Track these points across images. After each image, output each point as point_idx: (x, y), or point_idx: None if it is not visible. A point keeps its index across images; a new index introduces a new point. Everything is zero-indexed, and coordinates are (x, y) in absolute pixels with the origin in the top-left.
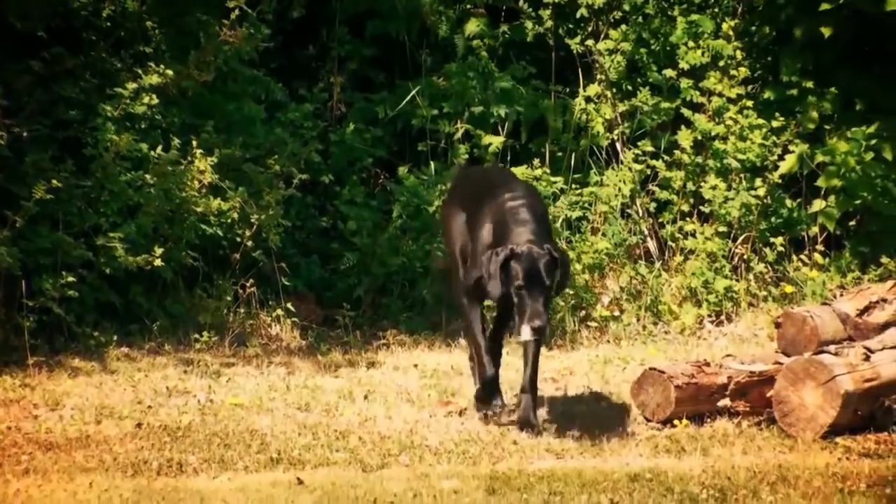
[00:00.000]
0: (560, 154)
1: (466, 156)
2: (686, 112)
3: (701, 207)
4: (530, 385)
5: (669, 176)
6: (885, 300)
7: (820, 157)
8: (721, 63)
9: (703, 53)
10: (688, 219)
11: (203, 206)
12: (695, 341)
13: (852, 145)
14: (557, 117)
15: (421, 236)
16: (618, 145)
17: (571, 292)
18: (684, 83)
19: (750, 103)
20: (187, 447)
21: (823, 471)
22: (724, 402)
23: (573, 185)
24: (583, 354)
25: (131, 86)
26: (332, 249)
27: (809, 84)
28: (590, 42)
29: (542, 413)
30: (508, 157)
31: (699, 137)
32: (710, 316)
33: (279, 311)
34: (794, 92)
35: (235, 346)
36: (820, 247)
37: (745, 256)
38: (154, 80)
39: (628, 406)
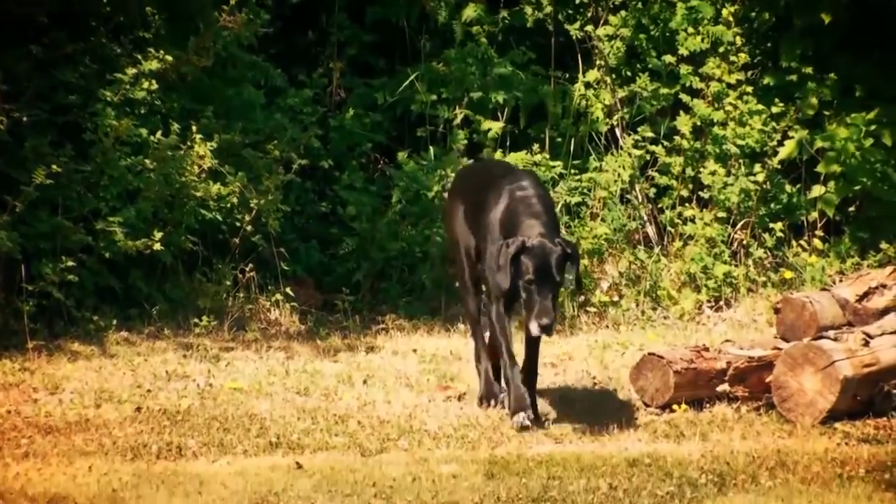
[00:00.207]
0: (559, 140)
1: (465, 141)
2: (685, 98)
3: (700, 193)
4: (529, 378)
5: (669, 161)
6: (884, 286)
7: (819, 143)
8: (721, 49)
9: (702, 39)
10: (687, 204)
11: (202, 190)
12: (694, 326)
13: (852, 131)
14: (557, 103)
15: (420, 221)
16: (617, 131)
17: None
18: (684, 69)
19: (749, 89)
20: (186, 431)
21: (822, 456)
22: (723, 387)
23: (572, 171)
24: (582, 339)
25: (131, 71)
26: (331, 234)
27: (809, 70)
28: (589, 28)
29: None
30: (507, 143)
31: (698, 123)
32: (709, 301)
33: (278, 296)
34: (794, 78)
35: (235, 331)
36: (819, 232)
37: (745, 242)
38: (154, 65)
39: (627, 391)
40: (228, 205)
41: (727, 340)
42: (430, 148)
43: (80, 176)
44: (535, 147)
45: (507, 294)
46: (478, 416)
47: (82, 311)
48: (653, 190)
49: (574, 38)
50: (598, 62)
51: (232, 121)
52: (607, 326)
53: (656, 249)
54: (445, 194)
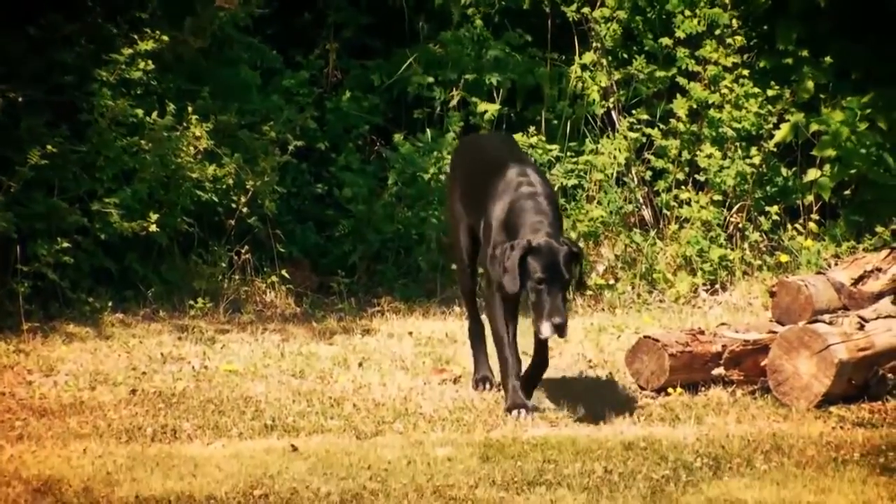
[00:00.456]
0: (555, 122)
1: (462, 123)
2: (682, 80)
3: (696, 176)
4: (534, 374)
5: (665, 144)
6: (879, 269)
7: (815, 127)
8: (717, 31)
9: (699, 22)
10: (683, 187)
11: (198, 172)
12: (689, 310)
13: (847, 115)
14: (553, 85)
15: (416, 203)
16: (613, 113)
17: None
18: (680, 52)
19: (746, 72)
20: (181, 413)
21: (817, 440)
22: (719, 370)
23: (568, 153)
24: (577, 323)
25: (127, 51)
26: (327, 216)
27: (805, 53)
28: (585, 10)
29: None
30: (504, 125)
31: (694, 106)
32: (704, 284)
33: (274, 278)
34: (790, 61)
35: (230, 313)
36: (815, 216)
37: (740, 225)
38: (150, 45)
39: (622, 374)
40: (224, 186)
41: (723, 324)
42: (427, 130)
43: (76, 157)
44: (532, 129)
45: (516, 297)
46: (473, 398)
47: (77, 293)
48: (649, 173)
49: (570, 19)
50: (594, 44)
51: (228, 102)
52: (603, 309)
53: (652, 232)
54: (443, 176)
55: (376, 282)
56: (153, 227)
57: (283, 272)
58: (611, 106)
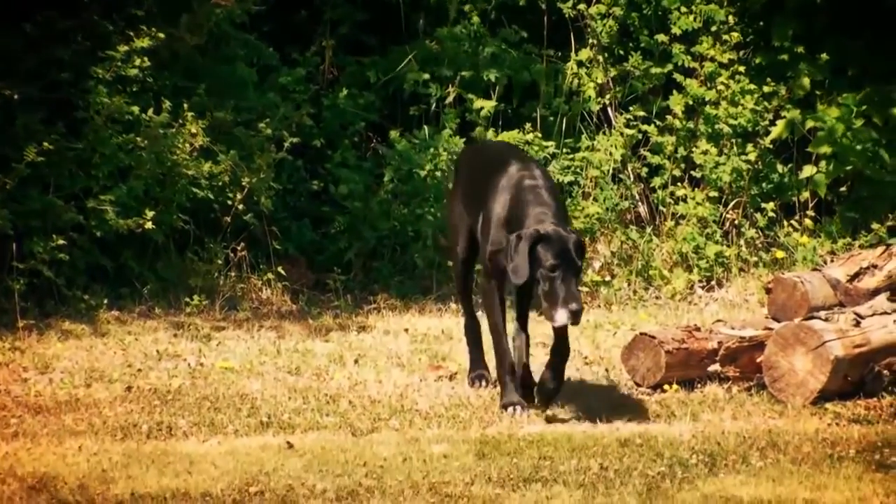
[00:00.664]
0: (551, 118)
1: (458, 120)
2: (678, 77)
3: (692, 172)
4: (557, 372)
5: (661, 141)
6: (875, 266)
7: (811, 123)
8: (713, 28)
9: (695, 18)
10: (679, 184)
11: (194, 169)
12: (685, 306)
13: (843, 111)
14: (549, 82)
15: (412, 200)
16: (609, 110)
17: None
18: (676, 48)
19: (742, 68)
20: (177, 411)
21: (813, 436)
22: (715, 367)
23: (564, 150)
24: None
25: (123, 48)
26: (323, 213)
27: (801, 49)
28: (581, 6)
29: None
30: (500, 122)
31: (690, 102)
32: (700, 281)
33: (270, 275)
34: (786, 57)
35: (226, 310)
36: (811, 212)
37: (736, 222)
38: (146, 42)
39: (618, 371)
40: (220, 183)
41: (718, 320)
42: (423, 126)
43: (72, 154)
44: (528, 126)
45: (521, 289)
46: (469, 395)
47: (73, 290)
48: (645, 169)
49: (566, 16)
50: (590, 41)
51: (224, 99)
52: (599, 306)
53: (648, 229)
54: (439, 173)
55: (372, 279)
56: (149, 225)
57: (280, 269)
58: (607, 102)
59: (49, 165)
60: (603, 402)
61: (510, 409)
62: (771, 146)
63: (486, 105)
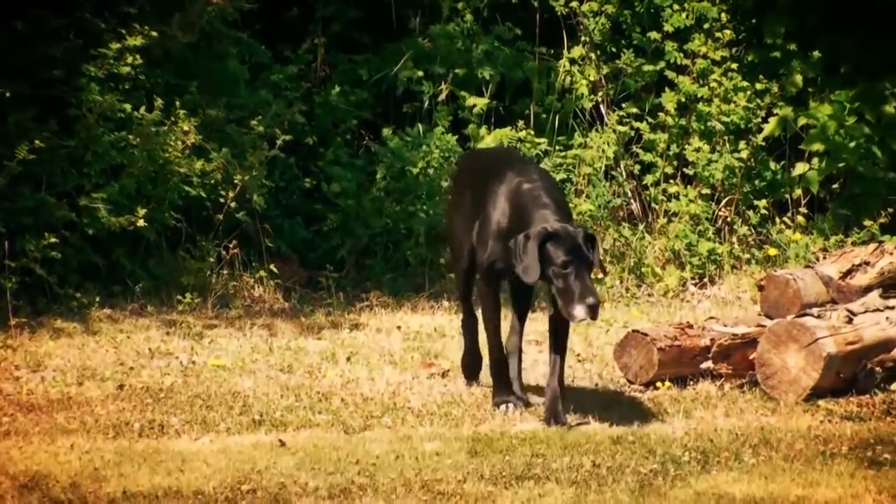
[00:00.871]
0: (544, 116)
1: (450, 118)
2: (670, 74)
3: (685, 170)
4: (559, 376)
5: (653, 138)
6: (867, 263)
7: (803, 120)
8: (705, 25)
9: (687, 16)
10: (671, 181)
11: (186, 166)
12: (678, 304)
13: (835, 108)
14: (541, 79)
15: (404, 198)
16: (602, 107)
17: None
18: (669, 45)
19: (734, 66)
20: (169, 409)
21: (805, 433)
22: (707, 364)
23: (557, 147)
24: None
25: (115, 46)
26: (315, 210)
27: (793, 47)
28: (574, 3)
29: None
30: (492, 119)
31: (683, 100)
32: (693, 278)
33: (262, 273)
34: (778, 54)
35: (218, 308)
36: (803, 209)
37: (729, 219)
38: (138, 40)
39: (611, 368)
40: (212, 181)
41: (711, 317)
42: (416, 124)
43: (64, 151)
44: (520, 123)
45: (529, 288)
46: (461, 393)
47: (65, 288)
48: (637, 167)
49: (559, 13)
50: (582, 38)
51: (216, 97)
52: None
53: (641, 226)
54: (430, 170)
55: (365, 276)
56: (141, 222)
57: (272, 267)
58: (599, 100)
59: (41, 163)
60: (595, 400)
61: (503, 406)
62: (763, 143)
63: (479, 102)
